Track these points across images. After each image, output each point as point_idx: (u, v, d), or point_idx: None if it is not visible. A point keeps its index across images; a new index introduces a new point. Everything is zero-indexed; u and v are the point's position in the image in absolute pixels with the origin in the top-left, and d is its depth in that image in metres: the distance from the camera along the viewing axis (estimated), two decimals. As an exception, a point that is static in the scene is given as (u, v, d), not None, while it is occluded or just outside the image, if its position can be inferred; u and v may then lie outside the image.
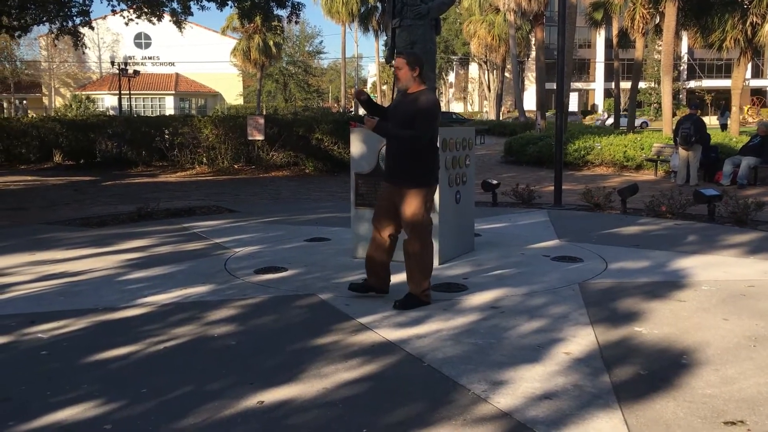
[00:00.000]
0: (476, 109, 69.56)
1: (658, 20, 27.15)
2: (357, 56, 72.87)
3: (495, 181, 10.82)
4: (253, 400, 3.41)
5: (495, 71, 54.10)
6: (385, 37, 62.11)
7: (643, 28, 27.71)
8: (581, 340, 4.26)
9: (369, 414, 3.25)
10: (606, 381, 3.61)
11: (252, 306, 5.07)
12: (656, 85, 56.75)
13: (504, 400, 3.38)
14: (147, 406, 3.36)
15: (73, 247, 7.44)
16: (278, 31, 23.06)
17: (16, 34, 22.04)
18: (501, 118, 50.16)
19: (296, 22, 18.59)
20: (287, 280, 5.82)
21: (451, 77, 73.24)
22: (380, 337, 4.32)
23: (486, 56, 50.23)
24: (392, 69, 5.47)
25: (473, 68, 67.68)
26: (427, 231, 5.02)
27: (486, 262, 6.38)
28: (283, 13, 20.09)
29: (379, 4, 49.70)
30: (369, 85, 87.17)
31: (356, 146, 6.55)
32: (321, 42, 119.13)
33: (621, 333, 4.40)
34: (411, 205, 4.92)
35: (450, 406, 3.33)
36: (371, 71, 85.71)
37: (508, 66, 48.67)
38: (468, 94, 73.65)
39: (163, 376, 3.73)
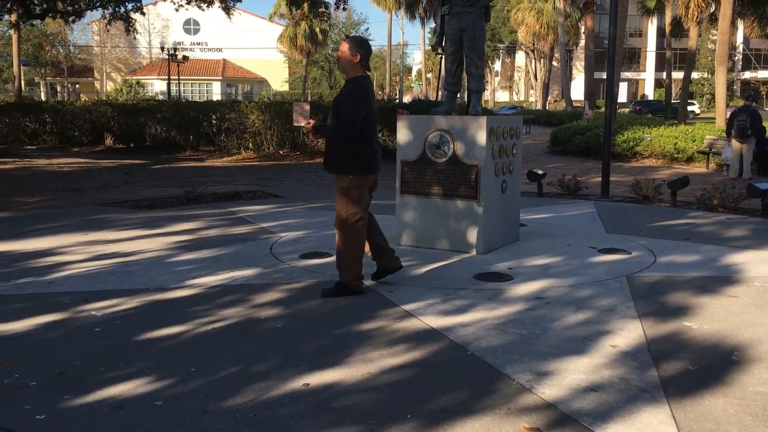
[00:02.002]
0: (522, 98, 68.72)
1: (713, 8, 26.38)
2: (402, 44, 72.56)
3: (541, 171, 10.70)
4: (299, 383, 3.47)
5: (542, 60, 53.33)
6: (432, 25, 61.72)
7: (697, 17, 26.99)
8: (628, 333, 4.20)
9: (413, 400, 3.27)
10: (654, 375, 3.56)
11: (297, 290, 5.13)
12: (709, 76, 55.23)
13: (549, 390, 3.37)
14: (196, 384, 3.44)
15: (125, 228, 7.63)
16: (325, 18, 23.14)
17: (70, 19, 22.62)
18: (547, 108, 49.47)
19: (344, 9, 18.64)
20: (332, 265, 5.83)
21: (497, 66, 72.45)
22: (424, 325, 4.34)
23: (533, 44, 49.55)
24: (438, 57, 5.42)
25: (520, 56, 66.84)
26: (352, 219, 4.90)
27: (531, 253, 6.33)
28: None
29: (425, -9, 49.44)
30: (414, 72, 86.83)
31: (402, 133, 6.55)
32: (367, 29, 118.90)
33: (669, 327, 4.33)
34: (337, 192, 4.91)
35: (494, 395, 3.32)
36: (416, 59, 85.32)
37: (556, 55, 47.95)
38: (514, 83, 72.78)
39: (211, 356, 3.81)
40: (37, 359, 3.74)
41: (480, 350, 3.90)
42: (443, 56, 7.73)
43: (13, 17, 23.31)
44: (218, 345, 4.00)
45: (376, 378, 3.53)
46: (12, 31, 35.07)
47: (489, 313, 4.56)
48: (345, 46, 4.85)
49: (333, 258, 6.07)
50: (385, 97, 50.95)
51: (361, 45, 4.86)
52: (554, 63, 52.02)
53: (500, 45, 64.75)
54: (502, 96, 72.29)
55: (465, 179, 6.21)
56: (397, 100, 44.86)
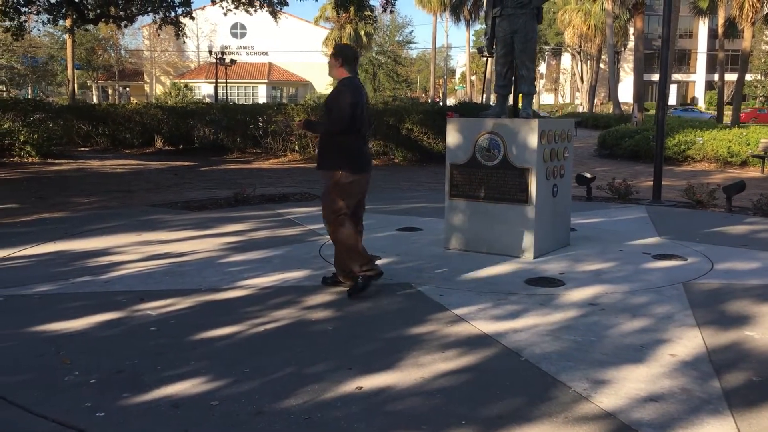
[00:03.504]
0: (567, 100, 67.82)
1: (768, 9, 25.63)
2: (446, 46, 72.38)
3: (589, 175, 10.54)
4: (352, 385, 3.46)
5: (588, 62, 52.54)
6: (477, 27, 61.42)
7: (752, 18, 26.24)
8: (687, 342, 4.09)
9: (467, 406, 3.24)
10: (716, 386, 3.46)
11: (347, 293, 5.13)
12: (763, 78, 53.66)
13: (607, 399, 3.29)
14: (251, 385, 3.47)
15: (176, 229, 7.76)
16: (370, 21, 23.20)
17: (122, 24, 23.11)
18: (594, 110, 48.70)
19: (391, 11, 18.63)
20: (381, 268, 5.84)
21: (542, 68, 71.70)
22: (476, 330, 4.30)
23: (580, 46, 48.86)
24: (485, 59, 5.45)
25: (565, 58, 66.00)
26: (340, 213, 4.99)
27: (583, 258, 6.22)
28: (376, 2, 20.20)
29: (471, -6, 49.22)
30: (458, 75, 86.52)
31: (452, 136, 6.52)
32: (411, 32, 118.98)
33: (730, 337, 4.20)
34: (328, 187, 5.03)
35: (550, 403, 3.27)
36: (460, 61, 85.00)
37: (603, 56, 47.18)
38: (559, 86, 71.90)
39: (265, 357, 3.84)
40: (97, 357, 3.82)
41: (534, 356, 3.85)
42: (489, 59, 7.68)
43: (68, 22, 23.94)
44: (271, 346, 4.03)
45: (429, 383, 3.50)
46: (67, 36, 36.08)
47: (542, 319, 4.49)
48: (331, 54, 5.12)
49: (384, 261, 6.07)
50: (429, 100, 50.81)
51: (343, 50, 5.09)
52: (601, 65, 51.20)
53: (546, 47, 64.04)
54: (547, 98, 71.47)
55: (516, 183, 6.14)
56: (441, 103, 44.72)
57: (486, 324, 4.39)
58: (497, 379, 3.56)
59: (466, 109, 17.29)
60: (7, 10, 20.37)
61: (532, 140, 6.04)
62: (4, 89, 45.75)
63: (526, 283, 5.37)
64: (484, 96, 39.28)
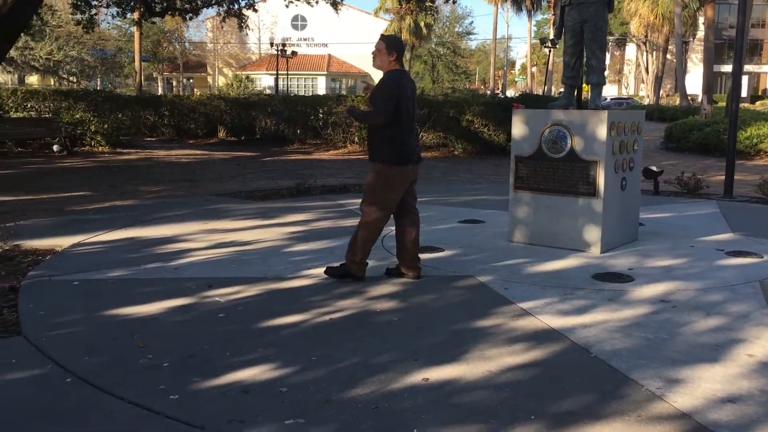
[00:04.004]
0: (631, 92, 66.09)
1: None
2: (507, 37, 71.41)
3: (657, 168, 10.24)
4: (418, 377, 3.45)
5: (654, 52, 51.06)
6: (538, 17, 60.40)
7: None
8: (766, 342, 3.93)
9: (536, 401, 3.19)
10: (798, 389, 3.31)
11: (411, 284, 5.13)
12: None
13: (682, 399, 3.20)
14: (318, 373, 3.50)
15: (241, 218, 7.89)
16: (430, 12, 23.10)
17: (188, 16, 23.59)
18: (660, 102, 47.33)
19: (454, 2, 18.49)
20: (444, 260, 5.83)
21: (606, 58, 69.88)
22: (543, 324, 4.23)
23: (646, 36, 47.51)
24: (547, 50, 5.38)
25: (630, 49, 64.28)
26: (375, 207, 5.02)
27: (652, 253, 6.05)
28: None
29: (533, -17, 48.41)
30: (518, 66, 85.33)
31: (518, 128, 6.42)
32: (471, 23, 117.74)
33: (813, 338, 4.02)
34: (367, 179, 5.10)
35: (622, 401, 3.19)
36: (520, 53, 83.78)
37: (670, 47, 45.76)
38: (623, 77, 70.11)
39: (331, 346, 3.86)
40: (169, 341, 3.92)
41: (604, 353, 3.76)
42: (551, 50, 7.52)
43: (136, 15, 24.58)
44: (337, 335, 4.05)
45: (497, 376, 3.46)
46: (134, 29, 37.08)
47: (611, 315, 4.39)
48: (381, 45, 5.03)
49: (447, 253, 6.05)
50: (488, 92, 50.30)
51: (397, 43, 5.06)
52: (668, 56, 49.67)
53: (610, 37, 62.51)
54: (611, 90, 69.73)
55: (583, 175, 6.01)
56: (500, 95, 44.21)
57: (553, 318, 4.32)
58: (566, 374, 3.50)
59: (528, 101, 17.04)
60: (79, 3, 21.04)
61: (601, 132, 5.90)
62: (75, 80, 47.40)
63: (593, 278, 5.26)
64: (545, 88, 38.63)
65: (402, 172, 5.04)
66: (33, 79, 54.36)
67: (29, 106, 17.31)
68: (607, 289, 4.97)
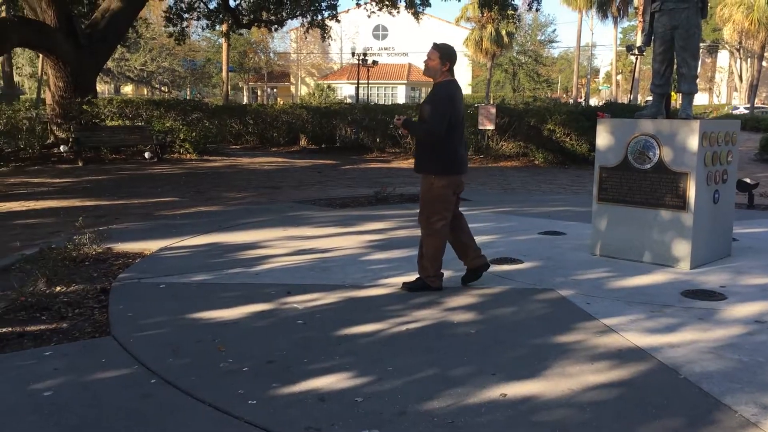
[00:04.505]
0: (723, 100, 63.31)
1: None
2: (591, 45, 69.81)
3: (752, 181, 9.74)
4: (495, 392, 3.38)
5: (749, 59, 48.74)
6: (624, 24, 58.73)
7: None
8: None
9: (621, 423, 3.06)
10: None
11: (490, 296, 5.04)
12: None
13: (780, 428, 3.00)
14: (394, 384, 3.47)
15: (320, 225, 7.99)
16: (512, 20, 22.78)
17: (273, 27, 24.24)
18: (754, 112, 45.10)
19: (537, 10, 18.24)
20: (524, 272, 5.71)
21: (696, 66, 67.07)
22: (628, 342, 4.06)
23: (740, 43, 45.44)
24: (634, 58, 5.19)
25: (722, 56, 61.63)
26: (433, 219, 5.02)
27: (747, 270, 5.73)
28: (519, 1, 19.87)
29: (620, -11, 47.16)
30: (602, 74, 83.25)
31: (602, 138, 6.23)
32: (554, 30, 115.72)
33: None
34: (423, 191, 5.05)
35: (713, 427, 3.02)
36: (605, 60, 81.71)
37: (766, 54, 43.55)
38: (714, 85, 67.27)
39: (407, 357, 3.83)
40: (249, 346, 3.99)
41: (693, 375, 3.58)
42: (638, 58, 7.26)
43: (224, 27, 25.44)
44: (414, 346, 4.02)
45: (578, 395, 3.35)
46: (222, 40, 38.37)
47: (701, 335, 4.18)
48: (435, 54, 4.96)
49: (526, 265, 5.93)
50: (570, 100, 49.25)
51: (451, 53, 4.99)
52: (764, 63, 47.30)
53: (701, 44, 60.14)
54: (701, 99, 67.07)
55: (672, 187, 5.77)
56: (584, 103, 43.17)
57: (638, 336, 4.15)
58: (653, 396, 3.34)
59: (613, 110, 16.57)
60: (171, 16, 21.99)
61: (692, 143, 5.65)
62: (167, 90, 49.38)
63: (682, 295, 5.02)
64: (631, 96, 37.51)
65: (454, 182, 5.05)
66: (128, 89, 57.08)
67: (124, 114, 18.13)
68: (697, 307, 4.73)
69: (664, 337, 4.14)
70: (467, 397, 3.32)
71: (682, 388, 3.44)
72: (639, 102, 41.97)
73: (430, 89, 5.24)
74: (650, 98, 6.52)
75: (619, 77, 60.75)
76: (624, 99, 53.21)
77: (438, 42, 5.13)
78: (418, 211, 5.21)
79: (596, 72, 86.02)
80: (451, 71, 5.02)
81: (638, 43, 6.33)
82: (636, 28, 46.61)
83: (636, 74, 33.76)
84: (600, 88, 75.67)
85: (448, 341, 4.11)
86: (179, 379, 3.50)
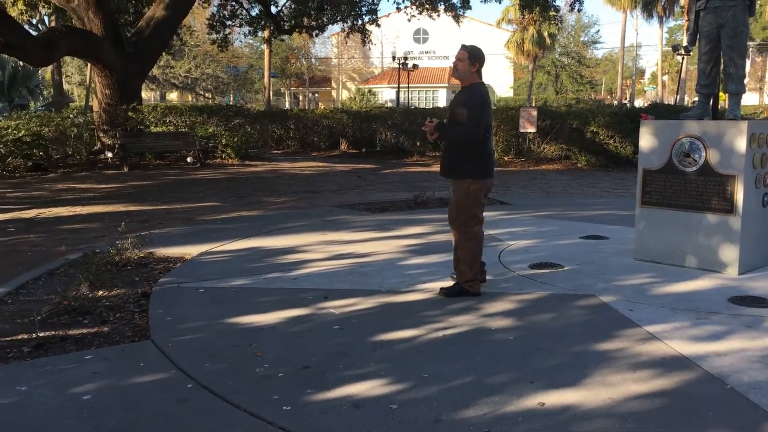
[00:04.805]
0: (775, 100, 61.41)
1: None
2: (636, 45, 68.58)
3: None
4: (533, 400, 3.31)
5: (802, 57, 47.21)
6: (670, 23, 57.55)
7: None
8: None
9: (663, 434, 2.96)
10: None
11: (528, 302, 4.95)
12: None
13: (834, 443, 2.86)
14: (429, 391, 3.43)
15: (359, 229, 7.98)
16: (554, 21, 22.49)
17: (314, 33, 24.44)
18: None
19: (579, 10, 17.99)
20: (564, 277, 5.61)
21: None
22: (672, 350, 3.94)
23: (792, 40, 44.03)
24: (680, 57, 5.07)
25: (774, 54, 59.83)
26: (470, 223, 5.02)
27: (799, 277, 5.52)
28: (562, 2, 19.62)
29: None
30: (647, 75, 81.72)
31: (646, 140, 6.08)
32: (597, 31, 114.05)
33: None
34: (455, 196, 5.00)
35: (762, 440, 2.90)
36: (650, 61, 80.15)
37: (821, 51, 42.13)
38: (765, 85, 65.37)
39: (443, 364, 3.78)
40: (285, 351, 3.99)
41: (741, 385, 3.45)
42: (685, 58, 7.07)
43: (266, 33, 25.75)
44: (450, 352, 3.97)
45: (620, 405, 3.25)
46: (264, 46, 38.83)
47: (749, 343, 4.03)
48: (464, 55, 4.97)
49: (567, 270, 5.82)
50: (615, 102, 48.42)
51: (480, 55, 4.99)
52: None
53: (750, 43, 58.54)
54: (751, 99, 65.24)
55: (719, 190, 5.59)
56: (628, 105, 42.40)
57: (683, 345, 4.02)
58: (698, 407, 3.23)
59: (659, 111, 16.23)
60: (214, 24, 22.34)
61: (740, 144, 5.47)
62: (210, 96, 50.16)
63: (729, 301, 4.86)
64: (677, 97, 36.70)
65: (487, 185, 5.07)
66: (173, 96, 58.17)
67: (167, 120, 18.47)
68: (745, 314, 4.57)
69: (710, 345, 4.01)
70: (504, 406, 3.25)
71: (729, 399, 3.31)
72: (686, 103, 41.04)
73: (458, 92, 5.17)
74: (697, 99, 6.34)
75: (666, 78, 59.53)
76: (670, 100, 52.13)
77: (467, 44, 5.11)
78: (449, 216, 5.17)
79: (641, 73, 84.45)
80: (479, 73, 5.00)
81: (684, 43, 6.16)
82: (682, 27, 45.65)
83: (682, 74, 33.03)
84: (646, 89, 74.29)
85: (486, 348, 4.04)
86: (215, 384, 3.52)
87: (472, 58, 4.96)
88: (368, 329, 4.36)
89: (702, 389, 3.43)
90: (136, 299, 5.11)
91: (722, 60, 5.94)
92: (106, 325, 4.53)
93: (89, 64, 23.14)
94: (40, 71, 35.39)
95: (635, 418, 3.12)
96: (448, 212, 5.27)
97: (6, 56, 22.56)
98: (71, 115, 18.72)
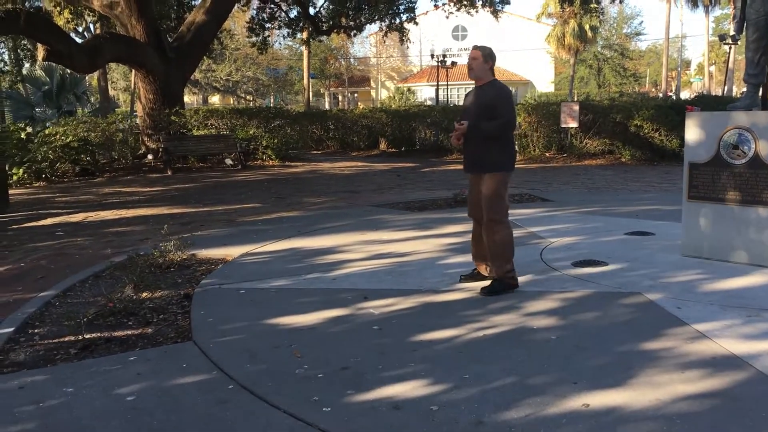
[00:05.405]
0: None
1: None
2: (681, 36, 66.97)
3: None
4: (577, 402, 3.23)
5: None
6: (716, 12, 56.10)
7: None
8: None
9: (714, 437, 2.86)
10: None
11: (571, 300, 4.85)
12: None
13: None
14: (470, 392, 3.38)
15: (398, 229, 7.95)
16: (596, 14, 22.12)
17: (352, 33, 24.49)
18: None
19: (621, 2, 17.67)
20: (608, 275, 5.48)
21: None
22: (722, 349, 3.81)
23: None
24: (727, 47, 5.00)
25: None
26: (504, 213, 5.08)
27: None
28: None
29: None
30: (693, 66, 79.84)
31: (692, 132, 5.91)
32: (641, 23, 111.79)
33: None
34: (489, 189, 5.03)
35: (819, 443, 2.77)
36: (696, 52, 78.25)
37: None
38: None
39: (484, 364, 3.73)
40: (324, 352, 3.98)
41: (796, 386, 3.31)
42: (732, 47, 6.86)
43: (305, 35, 25.91)
44: (491, 352, 3.91)
45: (667, 406, 3.15)
46: (303, 48, 39.09)
47: (805, 342, 3.87)
48: (478, 54, 5.09)
49: (611, 267, 5.69)
50: (660, 94, 47.37)
51: (492, 53, 5.15)
52: None
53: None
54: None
55: (770, 183, 5.40)
56: (674, 97, 41.46)
57: (734, 343, 3.88)
58: (750, 408, 3.11)
59: (706, 103, 15.83)
60: (254, 27, 22.57)
61: (792, 135, 5.27)
62: (251, 98, 50.75)
63: (782, 298, 4.69)
64: (725, 88, 35.75)
65: (512, 173, 5.18)
66: (215, 99, 59.04)
67: (209, 123, 18.73)
68: (800, 311, 4.40)
69: (762, 343, 3.86)
70: (547, 407, 3.19)
71: (784, 400, 3.19)
72: (734, 94, 39.95)
73: (476, 90, 5.21)
74: (745, 89, 6.14)
75: (713, 68, 58.08)
76: (718, 91, 50.82)
77: (477, 45, 5.27)
78: (485, 214, 5.09)
79: (687, 64, 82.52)
80: (492, 70, 5.14)
81: (731, 32, 5.95)
82: (729, 16, 44.45)
83: (730, 65, 32.15)
84: (692, 80, 72.58)
85: (527, 348, 3.97)
86: (256, 385, 3.53)
87: (485, 56, 5.09)
88: (408, 329, 4.32)
89: (754, 389, 3.31)
90: (178, 300, 5.18)
91: (772, 48, 5.74)
92: (149, 327, 4.60)
93: (133, 70, 23.61)
94: (86, 78, 36.30)
95: (684, 419, 3.02)
96: (471, 210, 5.36)
97: (54, 64, 23.16)
98: (116, 120, 19.13)
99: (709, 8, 48.79)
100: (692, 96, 36.45)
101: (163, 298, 5.22)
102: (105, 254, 7.06)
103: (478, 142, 5.09)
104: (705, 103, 15.95)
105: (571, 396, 3.29)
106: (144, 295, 5.26)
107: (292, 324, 4.51)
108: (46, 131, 16.42)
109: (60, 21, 19.80)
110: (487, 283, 5.18)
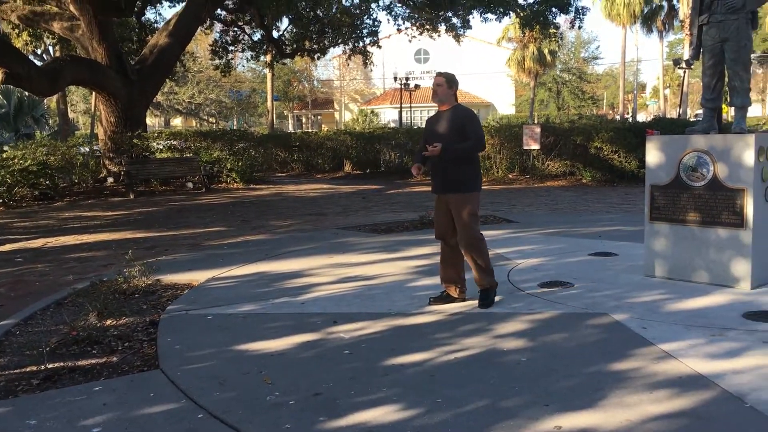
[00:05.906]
0: (777, 111, 61.39)
1: None
2: (636, 60, 68.78)
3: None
4: (549, 424, 3.25)
5: (803, 67, 47.24)
6: (669, 38, 57.81)
7: None
8: None
9: (684, 456, 2.90)
10: None
11: (540, 321, 4.90)
12: None
13: None
14: (443, 416, 3.38)
15: (365, 251, 7.95)
16: (555, 39, 22.57)
17: (316, 56, 24.59)
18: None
19: (579, 27, 18.12)
20: (575, 296, 5.56)
21: (747, 77, 65.25)
22: (688, 368, 3.88)
23: (793, 51, 44.13)
24: (682, 72, 5.31)
25: (775, 66, 59.91)
26: (476, 228, 5.26)
27: (812, 290, 5.46)
28: (562, 19, 19.77)
29: (665, 3, 46.44)
30: (649, 89, 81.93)
31: (653, 155, 6.06)
32: (597, 47, 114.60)
33: None
34: (466, 210, 5.19)
35: (785, 460, 2.84)
36: (651, 75, 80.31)
37: (822, 61, 42.19)
38: (767, 96, 65.39)
39: (456, 387, 3.73)
40: (295, 378, 3.94)
41: (761, 403, 3.38)
42: (686, 71, 7.06)
43: (268, 57, 25.92)
44: (462, 375, 3.92)
45: (638, 427, 3.19)
46: (267, 70, 39.10)
47: (767, 360, 3.96)
48: (442, 80, 5.31)
49: (577, 288, 5.77)
50: (617, 117, 48.44)
51: (455, 80, 5.38)
52: (819, 70, 45.81)
53: (751, 55, 58.64)
54: (754, 110, 65.20)
55: (728, 205, 5.56)
56: (631, 119, 42.43)
57: (699, 362, 3.96)
58: (717, 427, 3.17)
59: (663, 125, 16.27)
60: (217, 49, 22.51)
61: (748, 158, 5.44)
62: (214, 121, 50.43)
63: (744, 317, 4.80)
64: (680, 110, 36.79)
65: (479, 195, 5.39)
66: (177, 122, 58.49)
67: (172, 146, 18.53)
68: (761, 329, 4.51)
69: (727, 362, 3.95)
70: (520, 430, 3.20)
71: (749, 418, 3.25)
72: (688, 116, 41.07)
73: (439, 114, 5.43)
74: (700, 112, 6.33)
75: (667, 91, 59.61)
76: (673, 113, 52.21)
77: (441, 71, 5.51)
78: (464, 235, 5.22)
79: (643, 87, 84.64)
80: (455, 96, 5.36)
81: (685, 57, 6.17)
82: (683, 41, 45.84)
83: (684, 88, 33.08)
84: (647, 103, 74.44)
85: (498, 370, 3.99)
86: (226, 414, 3.47)
87: (449, 82, 5.30)
88: (379, 353, 4.31)
89: (720, 408, 3.37)
90: (144, 327, 5.08)
91: (726, 74, 5.93)
92: (114, 355, 4.50)
93: (94, 93, 23.31)
94: (45, 100, 35.67)
95: (654, 440, 3.06)
96: (438, 231, 5.51)
97: (12, 87, 22.75)
98: (77, 144, 18.81)
99: (663, 34, 50.26)
100: (649, 118, 37.38)
101: (128, 326, 5.13)
102: (67, 281, 6.91)
103: (451, 163, 5.20)
104: (662, 125, 16.37)
105: (543, 418, 3.31)
106: (108, 322, 5.15)
107: (261, 350, 4.46)
108: (4, 155, 16.05)
109: (18, 43, 19.49)
110: (476, 302, 5.34)
